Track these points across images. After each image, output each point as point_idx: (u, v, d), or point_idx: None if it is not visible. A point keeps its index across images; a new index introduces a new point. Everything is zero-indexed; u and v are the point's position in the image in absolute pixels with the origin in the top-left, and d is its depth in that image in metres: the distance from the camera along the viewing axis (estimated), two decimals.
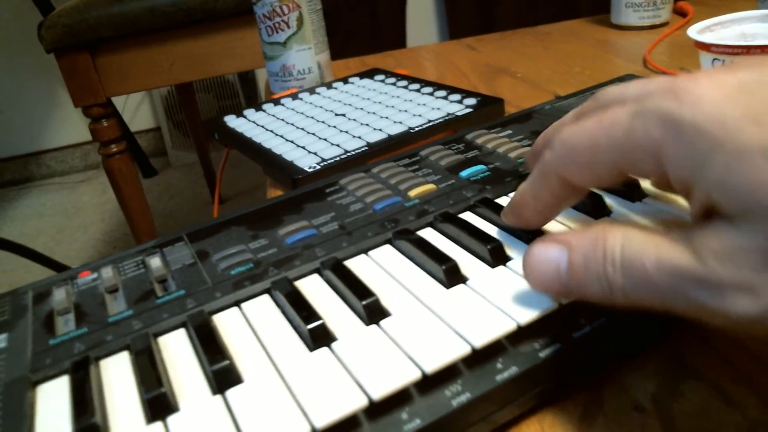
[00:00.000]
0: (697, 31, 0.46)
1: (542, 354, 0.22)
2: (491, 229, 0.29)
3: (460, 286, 0.25)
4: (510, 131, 0.39)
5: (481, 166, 0.34)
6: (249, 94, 2.12)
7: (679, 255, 0.18)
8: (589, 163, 0.22)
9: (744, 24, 0.47)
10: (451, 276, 0.25)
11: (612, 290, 0.20)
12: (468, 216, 0.31)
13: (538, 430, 0.23)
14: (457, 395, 0.21)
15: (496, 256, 0.26)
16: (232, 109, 2.10)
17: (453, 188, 0.33)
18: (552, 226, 0.29)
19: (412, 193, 0.32)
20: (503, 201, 0.32)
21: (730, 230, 0.18)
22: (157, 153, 2.24)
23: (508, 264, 0.26)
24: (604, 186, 0.24)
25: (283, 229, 0.31)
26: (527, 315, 0.23)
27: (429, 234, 0.30)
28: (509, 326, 0.23)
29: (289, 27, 0.63)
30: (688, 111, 0.18)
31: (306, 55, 0.65)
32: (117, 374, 0.24)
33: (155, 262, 0.30)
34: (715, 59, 0.43)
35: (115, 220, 1.81)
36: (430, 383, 0.22)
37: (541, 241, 0.22)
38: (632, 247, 0.19)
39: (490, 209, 0.30)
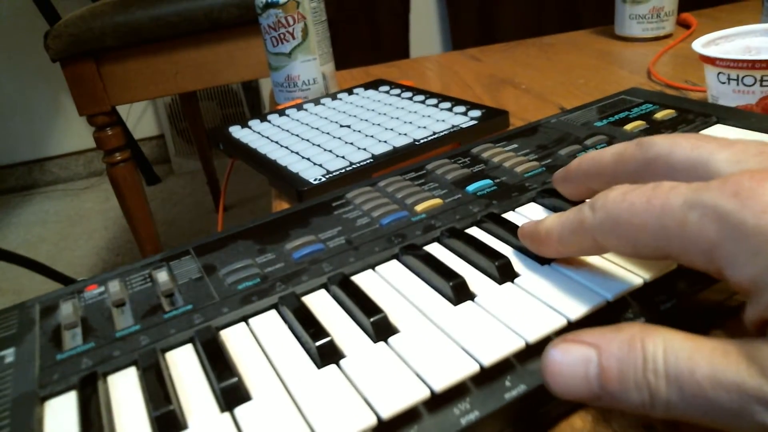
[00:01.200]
0: (701, 45, 0.46)
1: None
2: (499, 245, 0.29)
3: (468, 302, 0.25)
4: (516, 145, 0.39)
5: (488, 181, 0.34)
6: (252, 102, 2.13)
7: (739, 370, 0.17)
8: (632, 240, 0.21)
9: (749, 38, 0.47)
10: (459, 293, 0.25)
11: (653, 402, 0.18)
12: (475, 231, 0.31)
13: None
14: (465, 413, 0.21)
15: (504, 273, 0.26)
16: (236, 117, 2.11)
17: (459, 203, 0.33)
18: None
19: (419, 207, 0.32)
20: (510, 216, 0.32)
21: None
22: (161, 160, 2.24)
23: (516, 281, 0.26)
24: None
25: (290, 243, 0.31)
26: (535, 332, 0.23)
27: (436, 249, 0.30)
28: (518, 344, 0.23)
29: (294, 38, 0.64)
30: (752, 217, 0.17)
31: (311, 65, 0.65)
32: (125, 390, 0.24)
33: (162, 276, 0.30)
34: (720, 73, 0.43)
35: (118, 228, 1.81)
36: (438, 401, 0.21)
37: (562, 342, 0.20)
38: (678, 356, 0.18)
39: (497, 224, 0.30)
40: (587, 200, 0.24)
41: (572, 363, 0.20)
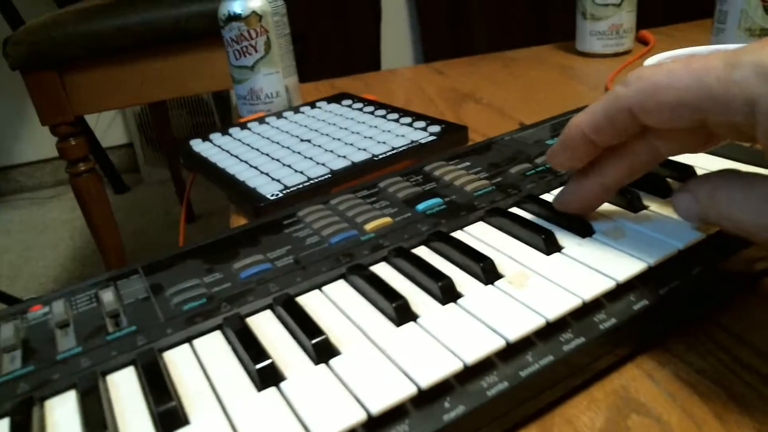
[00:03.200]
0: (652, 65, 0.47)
1: (490, 393, 0.23)
2: (444, 265, 0.30)
3: (411, 323, 0.25)
4: (468, 163, 0.39)
5: (438, 199, 0.35)
6: (223, 111, 2.12)
7: None
8: (671, 105, 0.23)
9: None
10: (401, 314, 0.26)
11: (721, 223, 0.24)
12: (422, 250, 0.31)
13: None
14: None
15: (447, 294, 0.27)
16: (207, 126, 2.09)
17: (409, 221, 0.33)
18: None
19: (369, 226, 0.33)
20: (458, 235, 0.32)
21: None
22: (130, 169, 2.21)
23: (458, 301, 0.26)
24: (670, 130, 0.26)
25: (238, 262, 0.31)
26: (474, 353, 0.23)
27: (383, 269, 0.30)
28: (456, 365, 0.23)
29: (256, 51, 0.64)
30: None
31: (274, 79, 0.65)
32: (61, 415, 0.24)
33: (108, 296, 0.30)
34: None
35: (84, 238, 1.78)
36: (376, 424, 0.22)
37: (679, 191, 0.26)
38: (735, 207, 0.23)
39: (443, 243, 0.30)
40: (617, 83, 0.25)
41: (683, 203, 0.26)
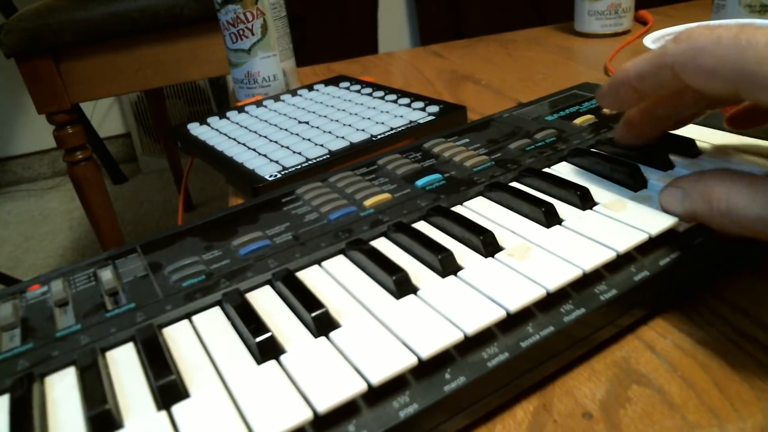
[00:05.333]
0: (651, 41, 0.47)
1: (490, 364, 0.23)
2: (444, 239, 0.29)
3: (411, 296, 0.25)
4: (467, 139, 0.39)
5: (437, 175, 0.35)
6: (220, 99, 2.11)
7: None
8: (707, 71, 0.23)
9: None
10: (401, 286, 0.25)
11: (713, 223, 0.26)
12: (421, 225, 0.31)
13: None
14: (404, 406, 0.21)
15: (447, 266, 0.26)
16: (203, 114, 2.07)
17: (408, 197, 0.33)
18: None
19: (368, 202, 0.32)
20: (458, 209, 0.32)
21: None
22: (127, 159, 2.21)
23: (459, 274, 0.26)
24: (705, 100, 0.27)
25: (237, 239, 0.31)
26: (474, 324, 0.23)
27: (382, 244, 0.30)
28: (456, 336, 0.23)
29: (253, 34, 0.63)
30: None
31: (271, 62, 0.65)
32: (62, 391, 0.24)
33: (106, 274, 0.29)
34: None
35: (83, 228, 1.78)
36: (377, 395, 0.22)
37: (668, 186, 0.27)
38: (739, 203, 0.24)
39: (443, 217, 0.30)
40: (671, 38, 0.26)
41: (673, 198, 0.27)
